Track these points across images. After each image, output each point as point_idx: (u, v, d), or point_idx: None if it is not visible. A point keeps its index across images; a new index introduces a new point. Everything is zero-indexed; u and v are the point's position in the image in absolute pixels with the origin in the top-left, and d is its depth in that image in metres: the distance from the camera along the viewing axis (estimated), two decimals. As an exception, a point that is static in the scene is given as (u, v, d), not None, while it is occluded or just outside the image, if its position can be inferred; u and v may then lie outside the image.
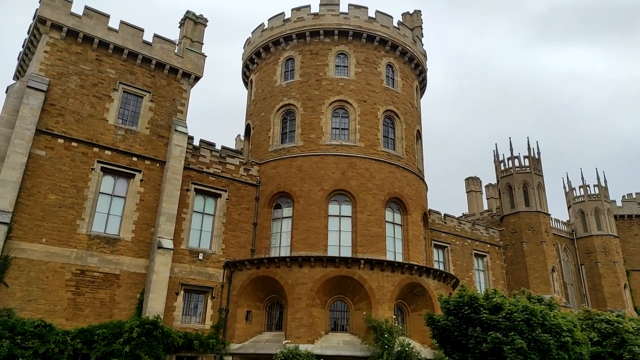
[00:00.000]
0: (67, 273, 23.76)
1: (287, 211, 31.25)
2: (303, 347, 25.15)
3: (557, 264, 46.14)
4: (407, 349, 24.93)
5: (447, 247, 40.98)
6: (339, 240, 29.90)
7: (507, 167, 47.77)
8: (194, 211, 29.60)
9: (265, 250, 30.37)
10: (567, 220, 54.36)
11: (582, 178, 54.07)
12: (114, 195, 26.81)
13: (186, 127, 29.46)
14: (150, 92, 29.21)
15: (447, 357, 16.49)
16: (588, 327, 16.47)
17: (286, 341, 26.10)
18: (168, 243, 26.41)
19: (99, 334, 22.66)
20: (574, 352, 13.66)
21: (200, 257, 28.74)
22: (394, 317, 27.47)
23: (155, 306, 24.73)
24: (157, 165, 28.24)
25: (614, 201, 55.41)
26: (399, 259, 30.13)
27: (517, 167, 47.00)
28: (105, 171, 26.61)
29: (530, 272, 42.52)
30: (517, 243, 44.42)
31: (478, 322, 14.34)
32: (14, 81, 25.31)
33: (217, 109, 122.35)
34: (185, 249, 28.24)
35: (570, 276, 50.39)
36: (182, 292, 27.39)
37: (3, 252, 21.80)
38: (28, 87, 24.19)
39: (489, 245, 44.47)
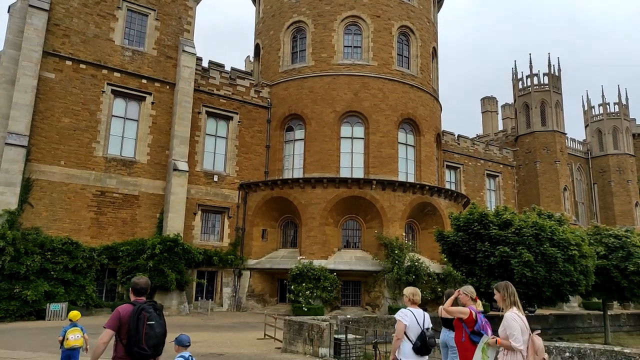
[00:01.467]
0: (88, 194, 24.58)
1: (299, 133, 31.17)
2: (317, 263, 26.35)
3: (570, 183, 46.19)
4: (416, 264, 25.97)
5: (459, 167, 41.03)
6: (351, 162, 30.05)
7: (525, 85, 46.26)
8: (206, 134, 29.72)
9: (279, 172, 30.79)
10: (583, 140, 53.53)
11: (603, 96, 52.39)
12: (127, 119, 26.90)
13: (194, 48, 28.67)
14: (154, 10, 28.11)
15: (455, 271, 17.22)
16: (596, 242, 16.84)
17: (301, 257, 27.32)
18: (183, 165, 26.89)
19: (123, 251, 23.91)
20: (580, 265, 14.11)
21: (215, 179, 29.32)
22: (405, 234, 28.32)
23: (174, 225, 25.77)
24: (167, 87, 27.92)
25: (634, 119, 54.03)
26: (411, 179, 30.39)
27: (536, 85, 45.48)
28: (116, 94, 26.48)
29: (542, 192, 42.77)
30: (531, 163, 44.24)
31: (487, 238, 14.72)
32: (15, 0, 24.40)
33: (224, 29, 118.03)
34: (200, 171, 28.76)
35: (582, 195, 50.62)
36: (199, 212, 28.34)
37: (25, 174, 22.46)
38: (30, 5, 23.40)
39: (501, 166, 44.40)
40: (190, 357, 5.28)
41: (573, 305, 34.76)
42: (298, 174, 30.01)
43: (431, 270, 26.75)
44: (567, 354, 8.97)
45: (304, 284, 25.33)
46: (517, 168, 45.27)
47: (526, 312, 23.94)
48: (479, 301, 6.67)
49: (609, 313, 20.01)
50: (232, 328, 20.01)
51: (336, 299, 26.32)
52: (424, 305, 26.49)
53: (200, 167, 28.80)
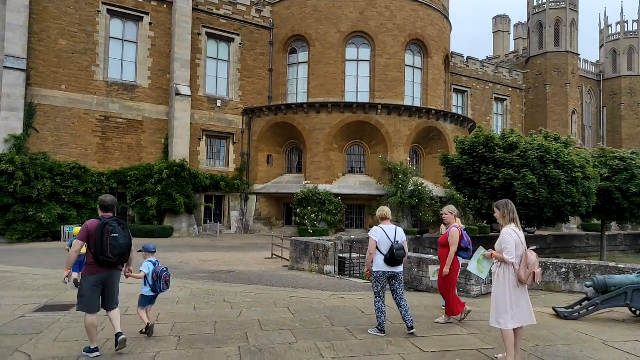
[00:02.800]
0: (92, 119, 24.49)
1: (302, 56, 30.21)
2: (322, 187, 26.75)
3: (579, 106, 45.34)
4: (419, 188, 26.31)
5: (467, 91, 40.14)
6: (357, 86, 29.39)
7: (540, 2, 43.78)
8: (207, 57, 28.88)
9: (282, 97, 30.28)
10: (597, 61, 51.69)
11: (622, 13, 49.69)
12: (125, 41, 26.07)
13: (190, -38, 27.00)
14: None
15: (458, 193, 17.46)
16: (600, 164, 16.84)
17: (306, 182, 27.69)
18: (185, 90, 26.45)
19: (131, 175, 24.28)
20: (583, 187, 14.23)
21: (219, 104, 28.95)
22: (409, 159, 28.41)
23: (180, 150, 25.90)
24: (165, 6, 26.71)
25: (652, 39, 51.67)
26: (417, 103, 29.87)
27: (552, 1, 43.05)
28: (112, 14, 25.44)
29: (550, 115, 42.12)
30: (541, 86, 43.12)
31: (492, 161, 14.73)
32: None
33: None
34: (203, 96, 28.33)
35: (591, 119, 49.89)
36: (204, 137, 28.33)
37: (27, 99, 22.26)
38: None
39: (510, 89, 43.36)
40: (157, 262, 5.81)
41: (572, 227, 35.63)
42: (302, 98, 29.53)
43: (434, 194, 27.16)
44: (564, 269, 9.34)
45: (309, 208, 25.92)
46: (526, 91, 44.23)
47: (525, 233, 24.67)
48: (458, 219, 7.05)
49: (606, 234, 20.56)
50: (240, 249, 20.82)
51: (340, 222, 27.04)
52: (427, 227, 27.14)
53: (202, 92, 28.33)
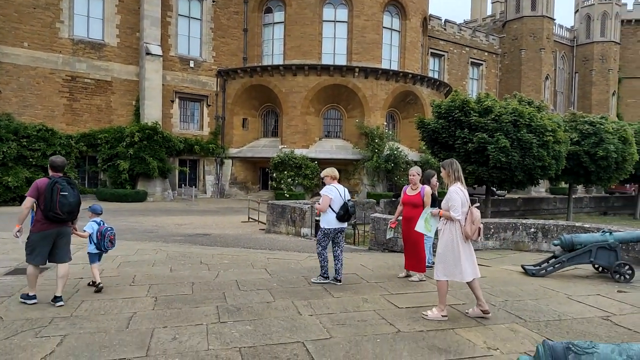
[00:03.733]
0: (58, 79, 23.45)
1: (278, 16, 29.34)
2: (298, 152, 26.64)
3: (552, 72, 45.90)
4: (395, 152, 26.51)
5: (444, 55, 40.00)
6: (334, 47, 28.87)
7: (519, -35, 43.34)
8: (179, 15, 27.74)
9: (258, 58, 29.55)
10: (571, 27, 52.04)
11: (598, -22, 49.67)
12: (90, -5, 24.74)
13: None
14: None
15: (433, 157, 17.63)
16: (571, 129, 17.22)
17: (282, 146, 27.51)
18: (156, 49, 25.49)
19: (102, 138, 23.59)
20: (553, 150, 14.57)
21: (191, 64, 28.08)
22: (385, 124, 28.44)
23: (152, 112, 25.20)
24: (132, -41, 25.29)
25: (625, 4, 52.13)
26: (394, 67, 29.65)
27: (530, -36, 42.65)
28: (75, -34, 23.97)
29: (524, 80, 42.57)
30: (516, 50, 43.33)
31: (467, 125, 14.86)
32: None
33: None
34: (175, 56, 27.39)
35: (563, 84, 50.66)
36: (177, 99, 27.59)
37: (-14, 57, 21.07)
38: None
39: (486, 54, 43.42)
40: (102, 222, 6.05)
41: (540, 190, 36.81)
42: (278, 60, 28.91)
43: (409, 158, 27.44)
44: (532, 229, 9.67)
45: (285, 172, 25.86)
46: (502, 56, 44.40)
47: (496, 196, 25.40)
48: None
49: (573, 196, 21.27)
50: (216, 212, 20.74)
51: (317, 186, 27.12)
52: (401, 190, 27.57)
53: (174, 52, 27.36)
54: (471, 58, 42.24)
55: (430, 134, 15.85)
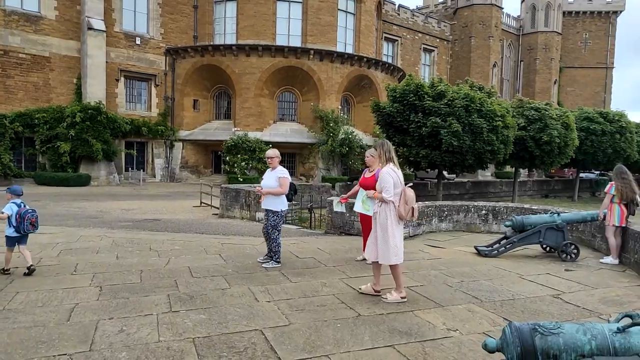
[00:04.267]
0: (-12, 54, 21.57)
1: (231, -7, 28.32)
2: (252, 135, 26.11)
3: (499, 59, 47.48)
4: (350, 136, 26.56)
5: (397, 40, 40.30)
6: (288, 28, 28.30)
7: (470, -47, 44.12)
8: (124, -12, 26.16)
9: (209, 37, 28.50)
10: (518, 16, 53.88)
11: (543, -29, 51.52)
12: (23, -37, 22.78)
13: None
14: None
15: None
16: (518, 114, 17.84)
17: (235, 129, 26.86)
18: (99, 24, 23.96)
19: (39, 118, 22.04)
20: (502, 135, 15.05)
21: (138, 41, 26.67)
22: (340, 107, 28.39)
23: (95, 92, 23.78)
24: None
25: (568, -3, 54.61)
26: (349, 50, 29.52)
27: (481, -47, 43.54)
28: None
29: (473, 67, 43.74)
30: (466, 38, 44.36)
31: (421, 109, 15.02)
32: None
33: None
34: (120, 32, 25.89)
35: (509, 72, 52.55)
36: (122, 78, 26.19)
37: None
38: None
39: (438, 40, 44.19)
40: (22, 203, 5.75)
41: (487, 174, 38.25)
42: (231, 39, 28.01)
43: (364, 142, 27.59)
44: (484, 211, 9.93)
45: (239, 156, 25.31)
46: (453, 43, 45.35)
47: (445, 179, 26.11)
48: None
49: (518, 180, 22.18)
50: (166, 197, 20.00)
51: (271, 170, 26.75)
52: (356, 174, 27.64)
53: (119, 28, 25.85)
54: (423, 44, 42.85)
55: (385, 117, 15.91)
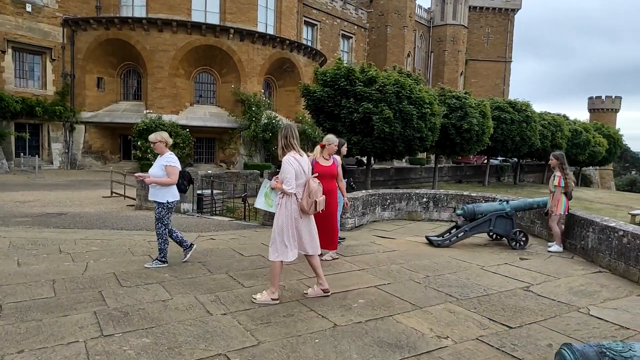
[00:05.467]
0: None
1: (139, -40, 25.76)
2: (167, 118, 24.21)
3: (413, 50, 49.12)
4: (273, 121, 25.70)
5: (316, 25, 39.86)
6: (205, 4, 26.49)
7: (386, -58, 44.76)
8: (9, -55, 22.58)
9: (115, 8, 25.75)
10: (429, 8, 56.10)
11: (452, -34, 53.98)
12: None
13: None
14: None
15: (319, 127, 17.26)
16: (440, 103, 18.28)
17: (147, 111, 24.72)
18: (-22, -16, 20.44)
19: None
20: (430, 122, 15.26)
21: (29, 8, 23.29)
22: (263, 91, 27.35)
23: (-24, 65, 20.36)
24: None
25: (473, -9, 57.82)
26: (270, 31, 28.46)
27: (396, -57, 44.35)
28: None
29: (389, 56, 44.74)
30: (382, 26, 45.18)
31: (352, 94, 14.68)
32: None
33: None
34: (6, -4, 22.38)
35: (420, 62, 54.70)
36: (9, 50, 22.77)
37: None
38: None
39: (356, 27, 44.49)
40: None
41: (402, 162, 39.55)
42: (140, 12, 25.55)
43: (287, 127, 26.82)
44: (425, 199, 9.82)
45: (152, 140, 23.28)
46: (370, 31, 45.96)
47: (364, 166, 26.44)
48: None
49: (437, 166, 23.00)
50: (69, 186, 17.78)
51: (189, 156, 25.10)
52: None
53: (4, -9, 22.34)
54: (342, 30, 42.88)
55: (315, 102, 15.37)
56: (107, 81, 25.99)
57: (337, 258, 6.33)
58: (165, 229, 5.76)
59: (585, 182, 47.83)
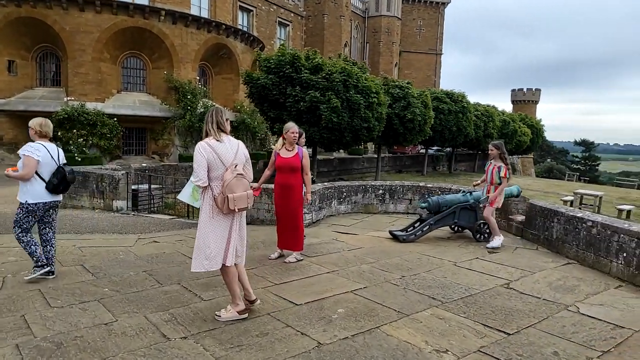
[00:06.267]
0: None
1: None
2: (91, 106, 22.14)
3: (349, 40, 49.16)
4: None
5: (252, 11, 38.55)
6: (132, -17, 24.40)
7: None
8: None
9: (27, -17, 22.97)
10: (364, -1, 56.41)
11: (386, -43, 54.53)
12: None
13: None
14: None
15: (263, 115, 16.45)
16: (384, 92, 18.15)
17: (69, 98, 22.44)
18: None
19: None
20: (377, 112, 15.03)
21: None
22: (198, 78, 25.89)
23: None
24: None
25: (405, -16, 58.85)
26: (205, 15, 26.93)
27: None
28: None
29: (326, 45, 44.39)
30: (319, 15, 44.71)
31: (298, 82, 14.07)
32: None
33: None
34: None
35: (356, 53, 54.93)
36: None
37: None
38: None
39: (293, 14, 43.63)
40: None
41: (340, 152, 39.59)
42: (57, -11, 22.99)
43: (225, 117, 25.65)
44: (381, 191, 9.51)
45: (75, 131, 21.24)
46: (307, 19, 45.32)
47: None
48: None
49: (380, 157, 23.08)
50: (-23, 183, 15.63)
51: (117, 148, 23.20)
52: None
53: None
54: (279, 17, 41.87)
55: (259, 90, 14.59)
56: (20, 65, 23.29)
57: (302, 259, 5.78)
58: (23, 234, 4.73)
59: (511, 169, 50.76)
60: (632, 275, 4.94)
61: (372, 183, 9.61)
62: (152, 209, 10.83)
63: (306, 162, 5.73)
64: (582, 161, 74.80)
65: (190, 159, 21.13)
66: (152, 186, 11.37)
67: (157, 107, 24.17)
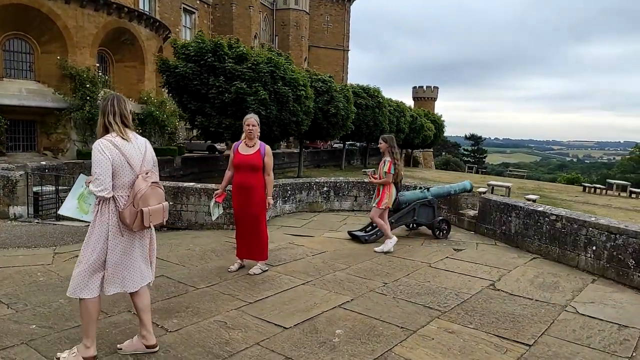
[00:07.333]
0: None
1: None
2: (-36, 93, 18.82)
3: (259, 31, 48.05)
4: (113, 101, 22.04)
5: (155, -5, 35.81)
6: (13, -47, 21.10)
7: None
8: None
9: None
10: (272, -10, 55.45)
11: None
12: None
13: None
14: None
15: (180, 108, 15.10)
16: (309, 86, 17.71)
17: None
18: None
19: None
20: (304, 105, 14.54)
21: None
22: (98, 65, 23.28)
23: None
24: None
25: (313, -20, 58.98)
26: (103, -4, 24.20)
27: None
28: None
29: (235, 36, 42.85)
30: (227, 4, 43.07)
31: (222, 72, 13.06)
32: None
33: None
34: None
35: (265, 46, 53.93)
36: None
37: None
38: None
39: (198, 2, 41.42)
40: None
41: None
42: None
43: (129, 109, 23.42)
44: (325, 188, 9.05)
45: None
46: (214, 7, 43.39)
47: (217, 152, 24.63)
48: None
49: (301, 152, 22.61)
50: None
51: (1, 143, 20.03)
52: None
53: None
54: (184, 4, 39.48)
55: (177, 79, 13.33)
56: None
57: (267, 270, 5.11)
58: None
59: (415, 163, 53.50)
60: (603, 269, 5.03)
61: (316, 180, 9.12)
62: (60, 214, 9.25)
63: (269, 160, 5.00)
64: (472, 154, 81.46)
65: (90, 155, 18.92)
66: (52, 188, 9.73)
67: (49, 97, 21.27)
